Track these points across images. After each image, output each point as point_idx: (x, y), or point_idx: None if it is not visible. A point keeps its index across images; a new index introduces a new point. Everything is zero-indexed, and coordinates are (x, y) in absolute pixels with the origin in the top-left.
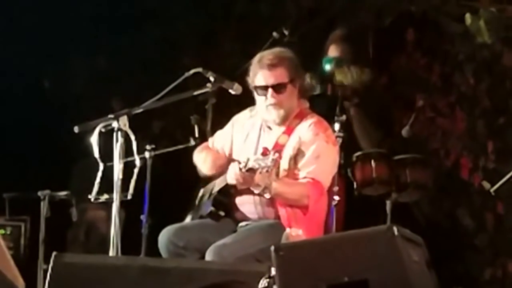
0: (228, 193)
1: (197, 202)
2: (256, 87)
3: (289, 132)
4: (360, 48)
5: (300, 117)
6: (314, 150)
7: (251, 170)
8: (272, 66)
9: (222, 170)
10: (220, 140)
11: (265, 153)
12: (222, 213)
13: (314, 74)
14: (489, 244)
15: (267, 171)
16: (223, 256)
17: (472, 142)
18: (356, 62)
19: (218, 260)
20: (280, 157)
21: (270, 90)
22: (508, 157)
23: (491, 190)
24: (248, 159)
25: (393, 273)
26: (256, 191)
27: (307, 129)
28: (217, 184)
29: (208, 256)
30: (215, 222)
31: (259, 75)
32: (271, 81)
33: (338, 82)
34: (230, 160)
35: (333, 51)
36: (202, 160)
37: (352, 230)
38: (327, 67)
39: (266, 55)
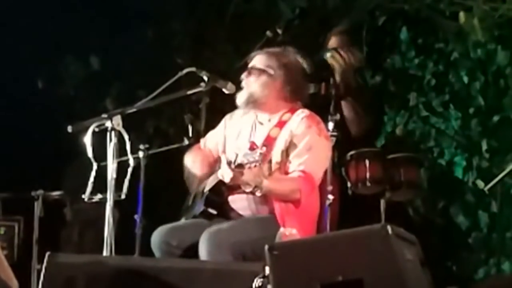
0: (220, 192)
1: (190, 202)
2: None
3: (280, 125)
4: (355, 38)
5: (292, 111)
6: (306, 142)
7: (240, 166)
8: (267, 53)
9: (212, 169)
10: (212, 139)
11: (252, 147)
12: (214, 212)
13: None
14: (483, 243)
15: (255, 166)
16: (217, 241)
17: (466, 141)
18: (351, 48)
19: (212, 245)
20: (268, 151)
21: (244, 74)
22: (502, 156)
23: (485, 189)
24: (237, 155)
25: (388, 272)
26: (247, 190)
27: (300, 122)
28: (209, 183)
29: (202, 242)
30: (208, 221)
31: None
32: (253, 63)
33: (331, 66)
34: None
35: (332, 43)
36: (192, 161)
37: (346, 229)
38: (326, 56)
39: (275, 48)
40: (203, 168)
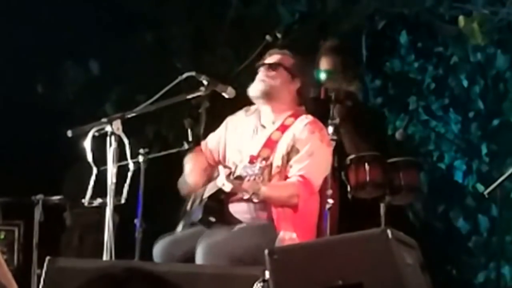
0: (219, 199)
1: (188, 208)
2: (260, 64)
3: (283, 129)
4: (349, 60)
5: (295, 116)
6: (308, 148)
7: (239, 178)
8: (282, 52)
9: (211, 174)
10: (213, 142)
11: (252, 161)
12: (213, 219)
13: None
14: (483, 247)
15: (254, 179)
16: (214, 254)
17: (465, 145)
18: (346, 73)
19: (209, 258)
20: (267, 165)
21: (265, 66)
22: (501, 159)
23: (485, 193)
24: (236, 166)
25: (388, 276)
26: (244, 197)
27: (303, 127)
28: (207, 190)
29: (199, 255)
30: (207, 228)
31: (268, 55)
32: (271, 60)
33: (329, 89)
34: (221, 164)
35: (324, 64)
36: (190, 169)
37: (346, 233)
38: (319, 78)
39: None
40: (198, 179)
